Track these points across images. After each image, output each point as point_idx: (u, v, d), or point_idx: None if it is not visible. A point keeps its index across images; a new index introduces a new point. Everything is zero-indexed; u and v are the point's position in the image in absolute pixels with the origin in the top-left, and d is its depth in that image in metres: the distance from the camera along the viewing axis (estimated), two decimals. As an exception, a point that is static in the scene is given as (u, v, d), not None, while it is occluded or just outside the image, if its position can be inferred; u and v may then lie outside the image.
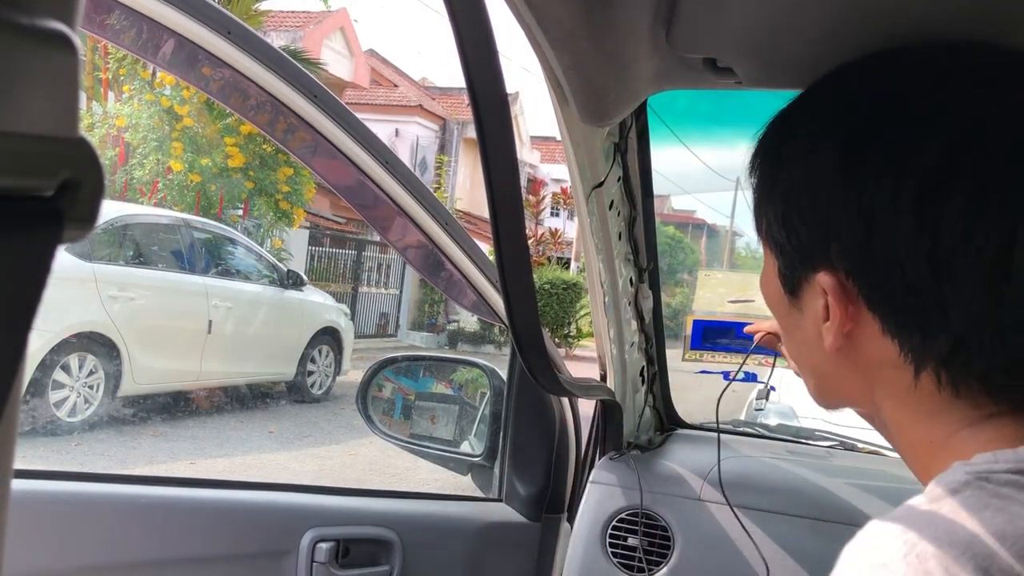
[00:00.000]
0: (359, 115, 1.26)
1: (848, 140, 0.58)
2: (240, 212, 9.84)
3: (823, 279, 0.58)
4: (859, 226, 0.56)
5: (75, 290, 6.10)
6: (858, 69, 0.63)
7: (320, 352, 8.58)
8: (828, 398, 0.67)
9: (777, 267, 0.64)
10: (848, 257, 0.57)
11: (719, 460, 1.44)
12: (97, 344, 6.31)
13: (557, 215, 23.06)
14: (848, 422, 1.51)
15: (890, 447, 0.65)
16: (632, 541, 1.41)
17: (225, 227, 8.47)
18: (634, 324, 1.47)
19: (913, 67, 0.61)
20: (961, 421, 0.56)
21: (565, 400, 1.57)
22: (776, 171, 0.63)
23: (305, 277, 8.78)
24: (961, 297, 0.53)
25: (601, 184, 1.19)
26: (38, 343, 5.66)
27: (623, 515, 1.44)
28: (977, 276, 0.53)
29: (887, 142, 0.56)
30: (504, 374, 1.58)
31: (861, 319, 0.58)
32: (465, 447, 1.75)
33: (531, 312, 0.81)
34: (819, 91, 0.65)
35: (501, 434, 1.57)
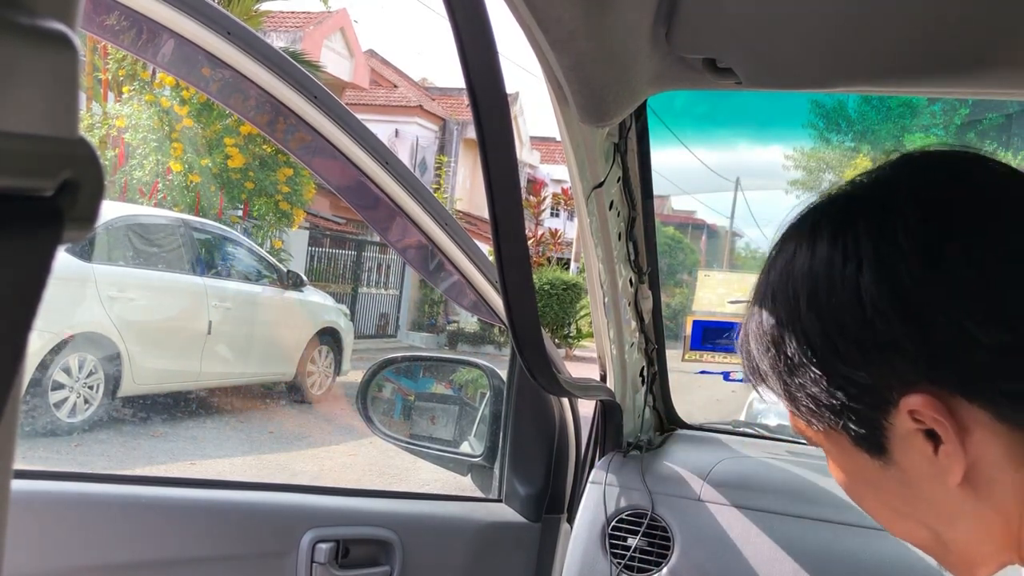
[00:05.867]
0: (359, 116, 1.26)
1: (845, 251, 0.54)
2: (240, 213, 9.84)
3: (912, 403, 0.51)
4: (913, 324, 0.51)
5: (75, 290, 6.10)
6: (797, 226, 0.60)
7: (320, 352, 8.58)
8: (967, 564, 0.57)
9: (848, 439, 0.56)
10: (922, 363, 0.51)
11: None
12: (97, 344, 6.30)
13: (557, 216, 23.06)
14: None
15: None
16: (632, 541, 1.40)
17: (225, 228, 8.47)
18: (634, 324, 1.47)
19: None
20: None
21: (565, 400, 1.57)
22: (785, 342, 0.56)
23: (305, 278, 8.78)
24: None
25: (601, 184, 1.19)
26: (38, 343, 5.66)
27: (623, 515, 1.44)
28: None
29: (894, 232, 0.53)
30: (504, 374, 1.58)
31: (968, 420, 0.51)
32: (465, 447, 1.75)
33: (531, 312, 0.81)
34: (771, 267, 0.60)
35: (501, 434, 1.57)
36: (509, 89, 0.69)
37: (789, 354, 0.56)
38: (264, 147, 9.37)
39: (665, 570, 1.38)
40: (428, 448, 1.76)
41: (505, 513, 1.54)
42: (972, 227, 0.52)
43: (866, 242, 0.53)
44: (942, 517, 0.56)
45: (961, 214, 0.52)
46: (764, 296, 0.59)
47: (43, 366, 5.84)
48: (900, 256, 0.52)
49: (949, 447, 0.51)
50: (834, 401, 0.55)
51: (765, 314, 0.58)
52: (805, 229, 0.57)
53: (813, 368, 0.55)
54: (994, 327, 0.50)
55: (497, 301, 1.42)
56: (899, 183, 0.56)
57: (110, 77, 9.89)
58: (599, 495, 1.47)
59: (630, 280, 1.41)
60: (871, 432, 0.54)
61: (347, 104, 1.26)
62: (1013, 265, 0.51)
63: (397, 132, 19.16)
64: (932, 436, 0.52)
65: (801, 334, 0.55)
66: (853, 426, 0.55)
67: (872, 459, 0.56)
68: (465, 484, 1.70)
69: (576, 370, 1.36)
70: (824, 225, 0.56)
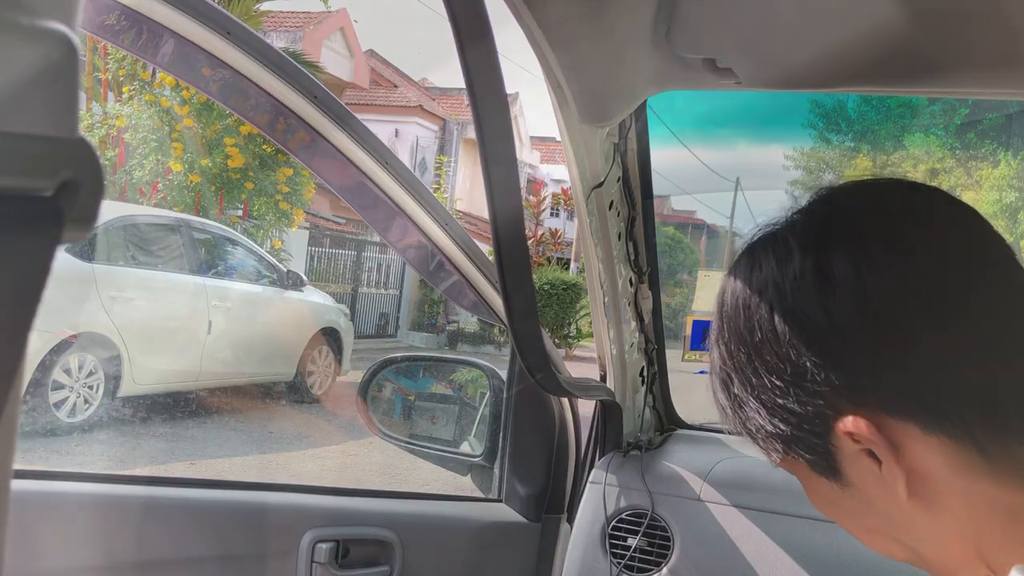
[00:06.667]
0: (359, 115, 1.26)
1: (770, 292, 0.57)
2: (240, 212, 9.84)
3: (845, 426, 0.53)
4: (821, 354, 0.54)
5: (75, 290, 6.09)
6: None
7: (320, 352, 8.57)
8: (944, 569, 0.57)
9: (806, 465, 0.58)
10: (840, 388, 0.54)
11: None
12: (97, 344, 6.30)
13: (557, 215, 23.05)
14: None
15: None
16: (632, 541, 1.40)
17: (225, 227, 8.47)
18: (634, 324, 1.47)
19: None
20: None
21: (565, 400, 1.57)
22: (732, 379, 0.60)
23: (305, 277, 8.78)
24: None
25: (601, 184, 1.19)
26: (38, 343, 5.65)
27: (623, 515, 1.44)
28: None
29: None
30: (504, 374, 1.58)
31: (899, 436, 0.53)
32: (465, 447, 1.75)
33: (531, 313, 0.81)
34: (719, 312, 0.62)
35: (501, 434, 1.57)
36: (509, 89, 0.69)
37: (735, 391, 0.60)
38: (264, 147, 9.36)
39: (665, 570, 1.38)
40: (428, 448, 1.76)
41: (505, 513, 1.53)
42: (862, 256, 0.54)
43: (771, 279, 0.57)
44: (907, 532, 0.57)
45: (849, 244, 0.55)
46: (711, 338, 0.63)
47: (43, 366, 5.83)
48: (799, 290, 0.55)
49: (886, 464, 0.53)
50: (780, 431, 0.57)
51: (715, 354, 0.62)
52: (731, 269, 0.62)
53: (753, 401, 0.58)
54: (894, 349, 0.52)
55: (497, 301, 1.41)
56: (799, 219, 0.59)
57: (110, 77, 9.88)
58: (599, 495, 1.47)
59: (630, 280, 1.41)
60: (822, 457, 0.56)
61: (347, 104, 1.26)
62: (902, 290, 0.53)
63: (397, 132, 19.16)
64: (874, 454, 0.54)
65: (740, 371, 0.59)
66: (804, 453, 0.57)
67: (831, 482, 0.58)
68: (465, 484, 1.70)
69: (576, 370, 1.36)
70: (741, 265, 0.60)
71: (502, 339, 13.80)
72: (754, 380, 0.57)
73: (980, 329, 0.52)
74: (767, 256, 0.58)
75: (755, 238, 0.61)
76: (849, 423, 0.53)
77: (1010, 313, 0.53)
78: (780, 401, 0.56)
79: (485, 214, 0.73)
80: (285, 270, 8.48)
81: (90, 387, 6.29)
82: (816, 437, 0.56)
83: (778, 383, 0.56)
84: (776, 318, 0.55)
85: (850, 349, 0.53)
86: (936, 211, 0.58)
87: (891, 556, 0.61)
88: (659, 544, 1.40)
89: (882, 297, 0.53)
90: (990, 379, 0.52)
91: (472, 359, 1.77)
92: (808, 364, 0.54)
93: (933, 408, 0.52)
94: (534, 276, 1.13)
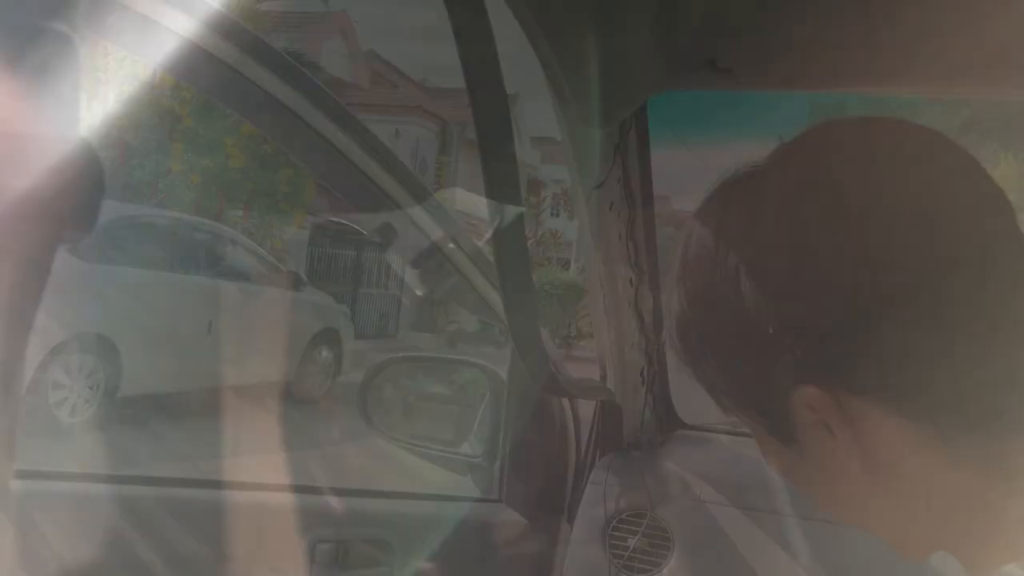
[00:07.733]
0: (359, 116, 1.25)
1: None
2: (240, 213, 9.84)
3: (803, 396, 0.50)
4: (784, 316, 0.50)
5: (75, 290, 6.09)
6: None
7: (320, 353, 8.58)
8: (903, 549, 0.54)
9: (764, 429, 0.55)
10: (800, 357, 0.49)
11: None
12: (97, 344, 6.30)
13: (557, 216, 23.04)
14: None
15: None
16: (632, 541, 1.41)
17: (225, 227, 8.48)
18: (634, 324, 1.47)
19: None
20: None
21: (565, 400, 1.57)
22: (690, 329, 0.56)
23: (305, 278, 8.78)
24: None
25: (601, 185, 1.19)
26: (38, 343, 5.65)
27: (623, 515, 1.44)
28: None
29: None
30: (504, 374, 1.58)
31: (858, 411, 0.49)
32: (465, 448, 1.75)
33: (530, 313, 0.81)
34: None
35: (501, 434, 1.57)
36: (509, 89, 0.68)
37: (692, 343, 0.56)
38: (264, 147, 9.36)
39: (665, 570, 1.38)
40: (428, 448, 1.76)
41: (505, 513, 1.53)
42: (839, 208, 0.50)
43: (738, 227, 0.52)
44: (863, 508, 0.54)
45: (828, 192, 0.50)
46: (673, 280, 0.58)
47: (43, 366, 5.83)
48: (768, 244, 0.51)
49: (841, 439, 0.50)
50: (737, 392, 0.55)
51: (674, 298, 0.58)
52: (699, 210, 0.57)
53: (711, 356, 0.55)
54: (861, 321, 0.48)
55: (497, 301, 1.41)
56: (781, 158, 0.54)
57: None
58: (599, 495, 1.47)
59: (630, 280, 1.41)
60: (776, 422, 0.53)
61: (347, 104, 1.26)
62: (876, 252, 0.48)
63: (397, 132, 19.14)
64: (831, 427, 0.51)
65: (698, 322, 0.55)
66: (758, 416, 0.54)
67: (787, 449, 0.54)
68: (465, 484, 1.70)
69: (576, 370, 1.36)
70: (712, 208, 0.56)
71: (502, 339, 13.77)
72: (713, 331, 0.54)
73: (960, 308, 0.48)
74: (740, 201, 0.53)
75: (730, 176, 0.56)
76: (807, 393, 0.50)
77: (994, 293, 0.48)
78: (736, 362, 0.53)
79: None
80: (285, 270, 8.48)
81: (90, 387, 6.29)
82: (772, 402, 0.52)
83: (740, 346, 0.52)
84: (741, 274, 0.51)
85: (815, 316, 0.49)
86: (927, 159, 0.53)
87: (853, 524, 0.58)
88: (659, 544, 1.40)
89: (855, 260, 0.48)
90: (960, 363, 0.48)
91: (472, 359, 1.77)
92: (770, 328, 0.50)
93: (895, 388, 0.49)
94: (534, 276, 1.13)
